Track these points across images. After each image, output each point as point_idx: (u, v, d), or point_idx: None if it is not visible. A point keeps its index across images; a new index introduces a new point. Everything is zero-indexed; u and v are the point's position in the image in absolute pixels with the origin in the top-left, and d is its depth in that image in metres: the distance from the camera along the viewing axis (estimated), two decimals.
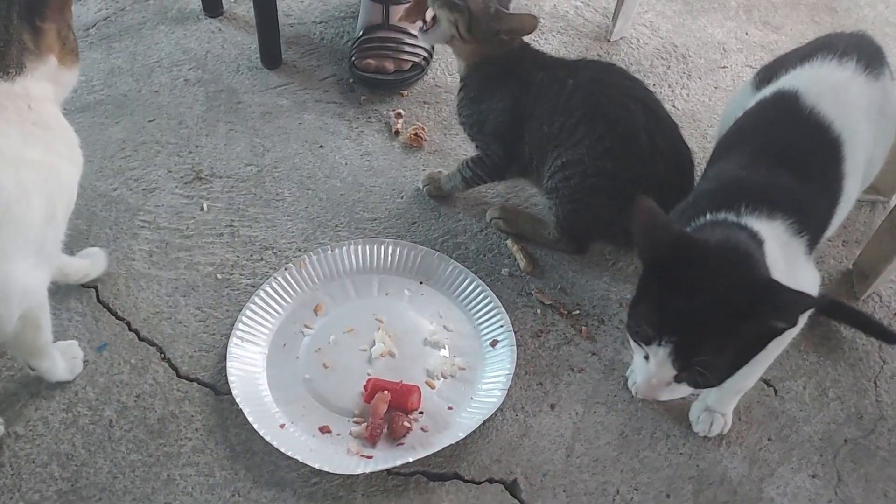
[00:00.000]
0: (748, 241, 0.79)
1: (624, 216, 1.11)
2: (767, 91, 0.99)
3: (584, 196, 1.11)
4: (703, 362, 0.75)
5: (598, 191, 1.10)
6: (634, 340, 0.80)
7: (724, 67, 1.56)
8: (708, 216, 0.83)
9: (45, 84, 0.86)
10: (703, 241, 0.78)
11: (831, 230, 0.95)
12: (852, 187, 0.93)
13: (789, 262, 0.82)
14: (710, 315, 0.73)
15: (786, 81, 0.97)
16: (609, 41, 1.59)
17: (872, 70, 0.97)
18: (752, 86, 1.06)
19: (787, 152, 0.89)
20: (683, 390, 0.80)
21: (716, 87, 1.52)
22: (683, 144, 1.13)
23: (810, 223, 0.86)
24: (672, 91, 1.50)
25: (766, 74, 1.03)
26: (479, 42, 1.14)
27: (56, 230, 0.88)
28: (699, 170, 1.12)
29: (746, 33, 1.65)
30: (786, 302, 0.72)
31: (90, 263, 1.11)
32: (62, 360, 1.00)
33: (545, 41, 1.57)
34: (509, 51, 1.15)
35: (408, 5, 1.28)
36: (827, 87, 0.94)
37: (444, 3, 1.12)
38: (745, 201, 0.82)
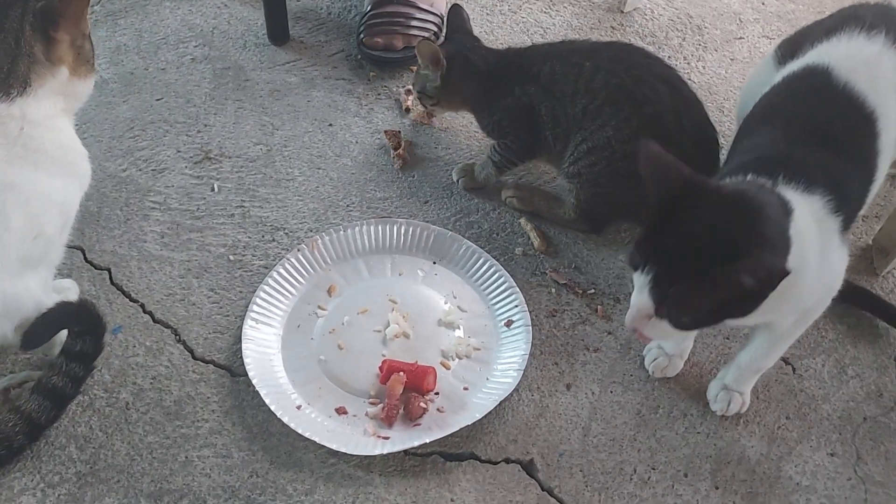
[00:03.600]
0: (772, 201, 0.77)
1: (648, 199, 1.10)
2: (794, 66, 0.96)
3: (608, 181, 1.10)
4: (678, 295, 0.75)
5: (623, 175, 1.09)
6: (631, 268, 0.80)
7: (741, 38, 1.53)
8: (748, 177, 0.82)
9: (52, 100, 0.85)
10: (715, 185, 0.79)
11: (864, 209, 0.93)
12: (885, 164, 0.91)
13: (824, 239, 0.81)
14: (692, 251, 0.75)
15: (814, 56, 0.94)
16: (623, 12, 1.55)
17: None
18: (775, 60, 1.02)
19: (821, 129, 0.87)
20: (665, 328, 0.78)
21: (732, 59, 1.48)
22: (709, 124, 1.11)
23: (848, 202, 0.84)
24: (688, 63, 1.47)
25: (790, 49, 1.00)
26: (447, 96, 1.20)
27: (46, 244, 0.88)
28: (721, 154, 1.11)
29: (763, 3, 1.62)
30: (759, 264, 0.71)
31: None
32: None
33: (556, 13, 1.54)
34: (485, 67, 1.17)
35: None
36: (859, 61, 0.91)
37: (419, 95, 1.23)
38: (783, 172, 0.81)
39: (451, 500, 0.93)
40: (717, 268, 0.72)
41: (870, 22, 0.94)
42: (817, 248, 0.79)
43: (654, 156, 0.77)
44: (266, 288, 1.09)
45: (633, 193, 1.10)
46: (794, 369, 1.05)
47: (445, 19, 1.24)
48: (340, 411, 0.99)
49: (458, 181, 1.25)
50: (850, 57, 0.92)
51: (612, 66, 1.08)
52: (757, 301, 0.74)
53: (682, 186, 0.76)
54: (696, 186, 0.77)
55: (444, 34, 1.34)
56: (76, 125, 1.27)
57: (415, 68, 1.27)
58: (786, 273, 0.70)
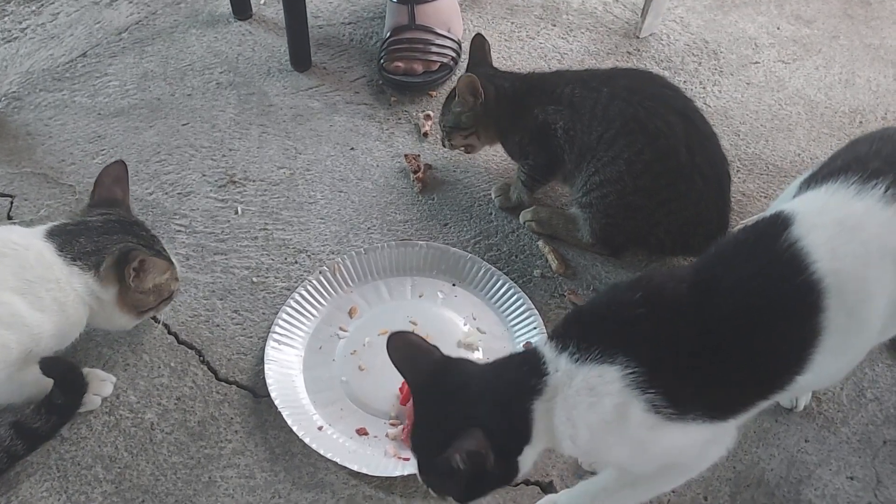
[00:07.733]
0: (508, 378, 0.78)
1: (659, 228, 1.11)
2: (776, 208, 0.82)
3: (619, 212, 1.12)
4: (429, 482, 0.81)
5: (634, 207, 1.11)
6: None
7: (756, 63, 1.55)
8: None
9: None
10: (457, 368, 0.82)
11: (788, 392, 0.79)
12: (839, 342, 0.75)
13: (615, 416, 0.74)
14: (429, 441, 0.79)
15: (798, 202, 0.80)
16: (638, 38, 1.57)
17: None
18: (797, 186, 0.86)
19: (732, 291, 0.75)
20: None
21: (748, 84, 1.50)
22: (722, 158, 1.12)
23: (687, 381, 0.74)
24: (704, 88, 1.48)
25: (813, 178, 0.83)
26: (485, 123, 1.21)
27: None
28: (736, 179, 1.12)
29: (778, 28, 1.63)
30: (462, 446, 0.73)
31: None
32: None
33: (574, 38, 1.56)
34: (511, 89, 1.19)
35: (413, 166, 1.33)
36: (828, 219, 0.76)
37: (449, 132, 1.24)
38: (584, 330, 0.77)
39: None
40: (438, 456, 0.73)
41: (872, 170, 0.77)
42: (584, 416, 0.75)
43: (406, 342, 0.82)
44: (288, 310, 1.11)
45: (645, 223, 1.12)
46: (812, 392, 1.05)
47: (469, 48, 1.26)
48: (361, 432, 1.00)
49: (495, 199, 1.27)
50: (821, 212, 0.77)
51: (628, 96, 1.10)
52: (509, 476, 0.77)
53: (435, 370, 0.80)
54: (445, 368, 0.81)
55: (465, 62, 1.36)
56: (102, 150, 1.30)
57: (435, 97, 1.29)
58: (479, 454, 0.73)
